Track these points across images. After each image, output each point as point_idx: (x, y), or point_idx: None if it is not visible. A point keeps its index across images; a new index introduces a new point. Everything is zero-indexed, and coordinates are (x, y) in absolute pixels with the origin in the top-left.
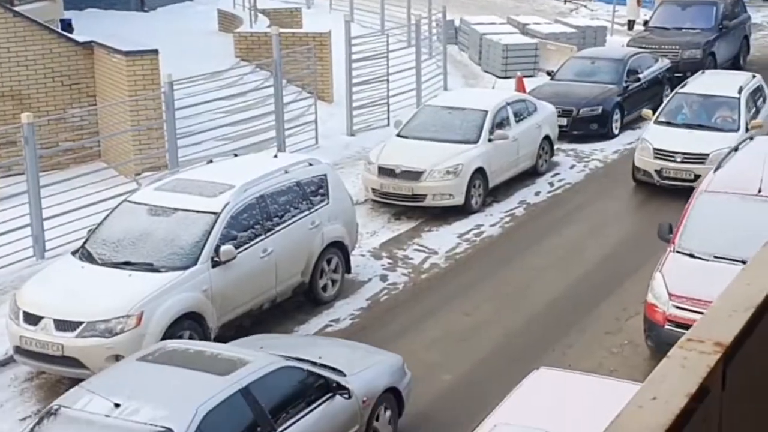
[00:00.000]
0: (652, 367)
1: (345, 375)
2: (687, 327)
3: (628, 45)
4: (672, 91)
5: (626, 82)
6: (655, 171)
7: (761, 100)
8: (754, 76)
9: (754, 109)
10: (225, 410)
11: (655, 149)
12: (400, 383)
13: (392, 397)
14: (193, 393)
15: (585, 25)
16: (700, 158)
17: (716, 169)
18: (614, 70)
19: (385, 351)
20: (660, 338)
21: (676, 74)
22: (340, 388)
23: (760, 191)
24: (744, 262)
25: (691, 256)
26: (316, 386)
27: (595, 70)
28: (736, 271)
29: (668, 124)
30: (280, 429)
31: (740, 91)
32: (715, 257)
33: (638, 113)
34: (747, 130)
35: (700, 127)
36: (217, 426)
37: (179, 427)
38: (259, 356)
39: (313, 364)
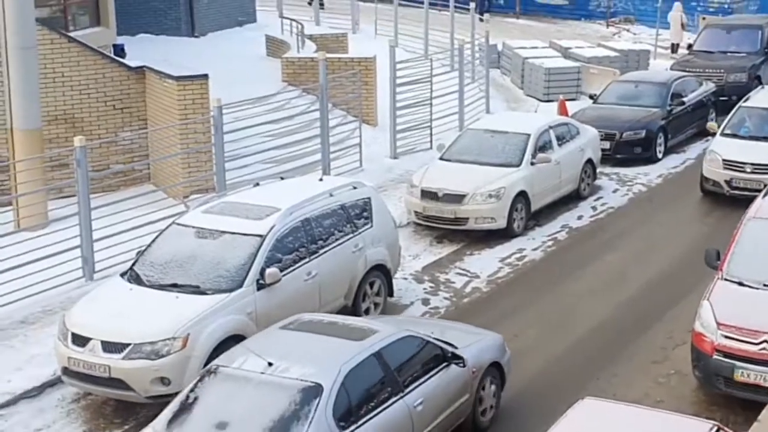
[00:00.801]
0: (700, 398)
1: (457, 348)
2: (736, 357)
3: (671, 69)
4: (716, 115)
5: (670, 105)
6: (725, 181)
7: None
8: None
9: None
10: (362, 370)
11: (724, 160)
12: (502, 358)
13: (496, 370)
14: (335, 354)
15: (628, 48)
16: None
17: (765, 195)
18: (658, 94)
19: (487, 330)
20: (708, 368)
21: (722, 98)
22: (456, 358)
23: None
24: None
25: (740, 284)
26: (434, 355)
27: (639, 94)
28: None
29: (734, 136)
30: (406, 390)
31: None
32: (765, 285)
33: (683, 137)
34: None
35: (765, 139)
36: (357, 383)
37: (327, 382)
38: (387, 326)
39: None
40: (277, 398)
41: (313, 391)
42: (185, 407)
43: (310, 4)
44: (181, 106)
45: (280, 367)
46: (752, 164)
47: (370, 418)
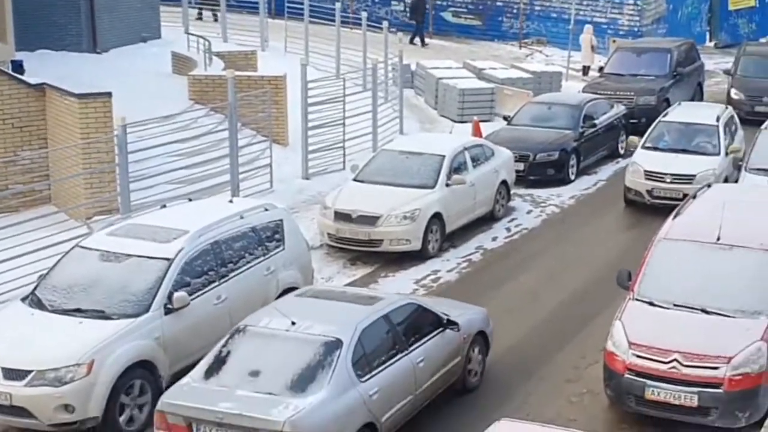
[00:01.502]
0: (611, 417)
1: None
2: (647, 376)
3: (583, 91)
4: (627, 137)
5: (582, 127)
6: (647, 191)
7: (735, 128)
8: (726, 107)
9: (729, 136)
10: (374, 329)
11: (645, 171)
12: (487, 328)
13: (482, 339)
14: (351, 315)
15: (541, 70)
16: (689, 179)
17: (675, 216)
18: (570, 116)
19: (471, 305)
20: (620, 387)
21: (632, 120)
22: (451, 323)
23: (719, 239)
24: (703, 311)
25: (651, 304)
26: (432, 320)
27: (552, 116)
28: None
29: (654, 149)
30: (410, 348)
31: (718, 119)
32: (675, 305)
33: (594, 158)
34: (727, 154)
35: (684, 151)
36: (369, 340)
37: (345, 337)
38: (391, 294)
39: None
40: (302, 351)
41: (334, 345)
42: (219, 360)
43: (200, 18)
44: (83, 124)
45: (303, 326)
46: (672, 174)
47: (382, 370)
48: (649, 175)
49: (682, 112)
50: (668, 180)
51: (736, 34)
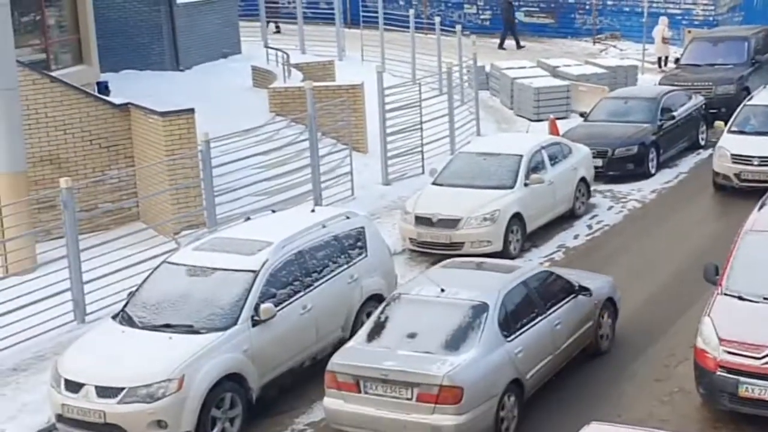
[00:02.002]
0: (704, 415)
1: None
2: (739, 372)
3: (660, 83)
4: (708, 127)
5: (660, 120)
6: (734, 174)
7: None
8: None
9: None
10: (514, 294)
11: (732, 155)
12: (615, 295)
13: (611, 305)
14: (494, 282)
15: (615, 65)
16: None
17: (760, 208)
18: (648, 109)
19: (599, 274)
20: (712, 385)
21: (711, 110)
22: (583, 289)
23: None
24: None
25: (740, 298)
26: (565, 287)
27: (629, 110)
28: None
29: (740, 132)
30: (548, 312)
31: None
32: (765, 299)
33: (675, 151)
34: None
35: None
36: (512, 303)
37: (491, 301)
38: (526, 265)
39: None
40: (453, 314)
41: (481, 308)
42: (378, 325)
43: (277, 31)
44: (167, 141)
45: (451, 292)
46: (759, 157)
47: (524, 331)
48: (736, 158)
49: (767, 95)
50: (756, 163)
51: None
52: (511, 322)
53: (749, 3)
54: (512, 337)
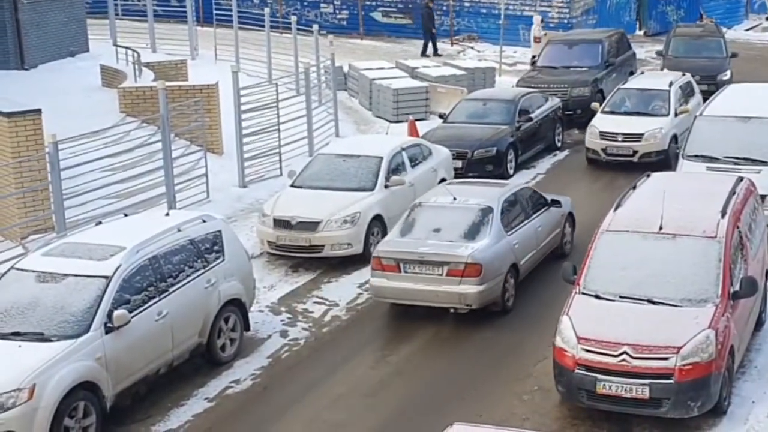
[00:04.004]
0: (564, 413)
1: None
2: (597, 370)
3: (517, 85)
4: (563, 129)
5: (518, 122)
6: (601, 149)
7: (690, 92)
8: (684, 74)
9: (683, 99)
10: (509, 201)
11: (600, 132)
12: (573, 210)
13: (570, 218)
14: (493, 192)
15: (474, 66)
16: (637, 137)
17: (616, 208)
18: (506, 111)
19: (559, 195)
20: (570, 383)
21: (567, 112)
22: (555, 202)
23: (661, 228)
24: (650, 301)
25: (597, 297)
26: (542, 200)
27: (487, 112)
28: (642, 311)
29: (611, 113)
30: (531, 217)
31: (671, 84)
32: (621, 297)
33: (532, 152)
34: (676, 115)
35: (638, 114)
36: (508, 209)
37: (494, 204)
38: (513, 182)
39: None
40: (466, 215)
41: (488, 210)
42: (407, 225)
43: None
44: (13, 143)
45: (462, 200)
46: (623, 134)
47: (518, 229)
48: (604, 135)
49: (640, 80)
50: (620, 139)
51: (665, 22)
52: (509, 221)
53: (603, 6)
54: (510, 232)
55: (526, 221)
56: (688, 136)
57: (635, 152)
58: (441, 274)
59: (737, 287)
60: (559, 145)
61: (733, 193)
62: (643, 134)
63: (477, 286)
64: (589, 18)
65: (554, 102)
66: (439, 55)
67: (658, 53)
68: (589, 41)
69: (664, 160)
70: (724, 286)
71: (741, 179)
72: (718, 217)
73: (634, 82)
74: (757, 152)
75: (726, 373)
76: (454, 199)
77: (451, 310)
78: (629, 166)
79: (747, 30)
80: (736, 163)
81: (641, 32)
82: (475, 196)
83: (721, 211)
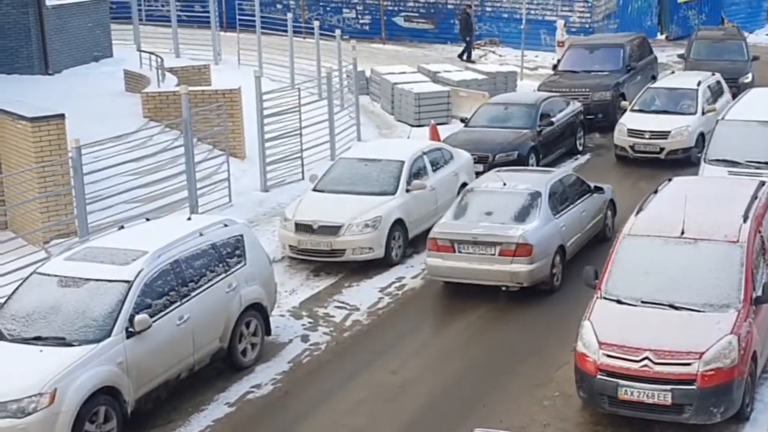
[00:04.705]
0: (585, 418)
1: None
2: (618, 375)
3: (539, 89)
4: (584, 133)
5: (539, 126)
6: (629, 146)
7: (720, 90)
8: (713, 74)
9: (711, 99)
10: (556, 186)
11: (629, 129)
12: (613, 197)
13: (612, 205)
14: (540, 179)
15: (495, 70)
16: (664, 134)
17: (638, 212)
18: (527, 115)
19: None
20: (592, 388)
21: (588, 116)
22: (598, 189)
23: (683, 233)
24: (672, 306)
25: (619, 302)
26: (586, 186)
27: (509, 116)
28: (664, 316)
29: (640, 111)
30: (576, 202)
31: (699, 84)
32: (643, 302)
33: (553, 156)
34: (703, 113)
35: (666, 112)
36: (554, 194)
37: (543, 190)
38: (559, 168)
39: None
40: (516, 199)
41: (537, 195)
42: (460, 208)
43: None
44: (37, 148)
45: (511, 185)
46: (650, 131)
47: (564, 213)
48: (632, 132)
49: (670, 79)
50: (647, 136)
51: (686, 26)
52: (556, 206)
53: (624, 11)
54: (557, 216)
55: (571, 206)
56: (710, 140)
57: (662, 149)
58: (493, 254)
59: (759, 292)
60: (580, 149)
61: (755, 197)
62: (669, 132)
63: (528, 265)
64: (610, 22)
65: (575, 106)
66: (472, 62)
67: (680, 56)
68: (610, 45)
69: (690, 158)
70: (746, 291)
71: (763, 183)
72: (740, 221)
73: (663, 82)
74: None
75: (749, 378)
76: (504, 184)
77: (503, 288)
78: (652, 169)
79: None
80: (758, 168)
81: (663, 36)
82: (524, 182)
83: (743, 216)
